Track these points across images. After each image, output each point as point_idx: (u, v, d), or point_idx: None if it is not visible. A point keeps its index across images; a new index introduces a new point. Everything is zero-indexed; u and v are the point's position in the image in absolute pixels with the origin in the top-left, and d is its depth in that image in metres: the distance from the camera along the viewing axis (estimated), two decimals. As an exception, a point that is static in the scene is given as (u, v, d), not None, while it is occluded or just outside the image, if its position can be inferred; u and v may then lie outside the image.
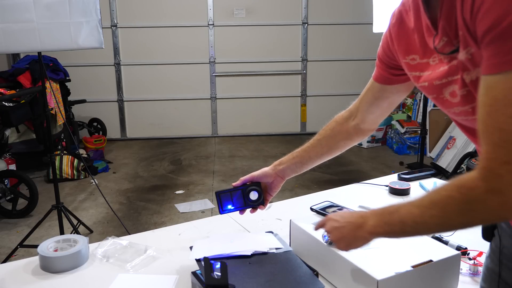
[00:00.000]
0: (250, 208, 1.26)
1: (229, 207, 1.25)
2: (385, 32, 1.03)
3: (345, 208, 1.34)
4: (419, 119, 5.37)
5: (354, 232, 0.90)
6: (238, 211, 1.26)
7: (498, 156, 0.63)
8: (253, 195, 1.24)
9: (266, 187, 1.27)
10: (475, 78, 0.75)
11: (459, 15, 0.72)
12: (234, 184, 1.25)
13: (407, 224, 0.78)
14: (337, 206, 1.36)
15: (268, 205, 1.57)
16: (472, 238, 1.24)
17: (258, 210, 1.27)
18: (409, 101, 5.77)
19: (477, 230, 1.32)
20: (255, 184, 1.25)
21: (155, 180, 4.50)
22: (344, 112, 1.23)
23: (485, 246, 1.17)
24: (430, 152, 5.13)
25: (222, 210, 1.24)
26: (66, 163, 4.42)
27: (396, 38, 0.97)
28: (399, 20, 0.96)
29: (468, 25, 0.70)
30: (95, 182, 3.88)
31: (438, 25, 0.81)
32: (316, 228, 1.07)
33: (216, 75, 6.16)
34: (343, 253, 1.02)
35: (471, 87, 0.77)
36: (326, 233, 1.06)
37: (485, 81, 0.66)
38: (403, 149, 5.34)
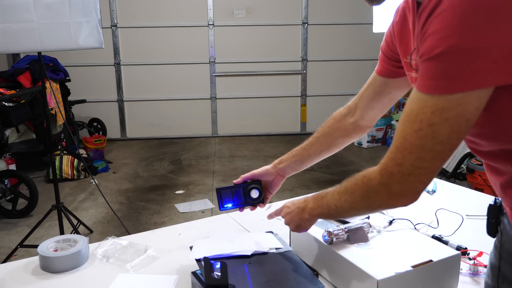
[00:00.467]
0: (250, 206, 1.26)
1: (229, 204, 1.25)
2: (389, 27, 1.03)
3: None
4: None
5: (299, 215, 1.04)
6: (237, 208, 1.26)
7: (395, 158, 0.75)
8: (254, 193, 1.24)
9: (267, 185, 1.27)
10: None
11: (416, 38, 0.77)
12: (234, 181, 1.26)
13: (331, 207, 0.94)
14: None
15: (268, 204, 1.57)
16: (472, 238, 1.25)
17: (258, 208, 1.27)
18: (409, 101, 5.76)
19: (478, 230, 1.32)
20: (256, 182, 1.25)
21: (155, 180, 4.50)
22: (342, 109, 1.23)
23: (485, 246, 1.17)
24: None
25: (222, 206, 1.25)
26: (66, 163, 4.42)
27: (398, 37, 0.98)
28: (402, 18, 0.96)
29: (418, 41, 0.76)
30: (95, 182, 3.88)
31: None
32: (271, 216, 1.19)
33: (216, 75, 6.16)
34: (343, 253, 1.02)
35: None
36: (325, 233, 1.07)
37: (413, 92, 0.75)
38: (403, 149, 5.33)
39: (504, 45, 0.65)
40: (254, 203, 1.25)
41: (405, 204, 0.78)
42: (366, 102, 1.15)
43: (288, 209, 1.09)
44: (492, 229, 0.92)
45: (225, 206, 1.25)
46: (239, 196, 1.25)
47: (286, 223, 1.10)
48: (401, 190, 0.76)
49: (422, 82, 0.72)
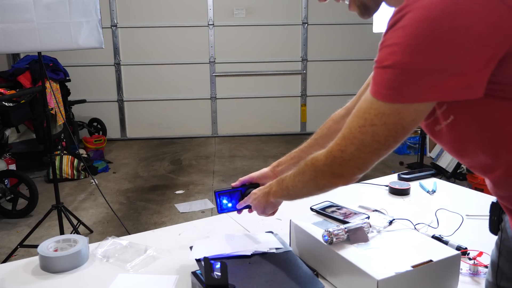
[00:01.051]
0: (248, 209, 1.26)
1: (228, 206, 1.25)
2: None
3: (345, 208, 1.34)
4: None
5: (265, 198, 1.12)
6: (236, 211, 1.26)
7: (340, 144, 0.85)
8: None
9: None
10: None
11: None
12: (233, 184, 1.26)
13: (290, 188, 1.02)
14: (337, 206, 1.36)
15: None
16: (472, 238, 1.25)
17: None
18: (409, 101, 5.77)
19: (478, 230, 1.32)
20: (254, 186, 1.25)
21: (155, 180, 4.50)
22: (341, 110, 1.24)
23: (485, 246, 1.17)
24: (430, 152, 5.13)
25: (220, 209, 1.25)
26: (66, 163, 4.42)
27: None
28: None
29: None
30: (95, 182, 3.88)
31: None
32: (241, 205, 1.23)
33: (216, 75, 6.16)
34: (343, 253, 1.02)
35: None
36: (325, 233, 1.07)
37: (366, 92, 0.82)
38: (403, 149, 5.34)
39: (444, 68, 0.70)
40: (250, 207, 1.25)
41: (344, 184, 0.89)
42: None
43: (255, 195, 1.16)
44: (494, 227, 0.93)
45: (224, 209, 1.25)
46: (237, 199, 1.25)
47: (254, 208, 1.18)
48: (341, 172, 0.87)
49: (372, 86, 0.79)
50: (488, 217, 0.94)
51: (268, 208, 1.14)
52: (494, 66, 0.71)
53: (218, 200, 1.25)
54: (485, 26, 0.69)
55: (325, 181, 0.91)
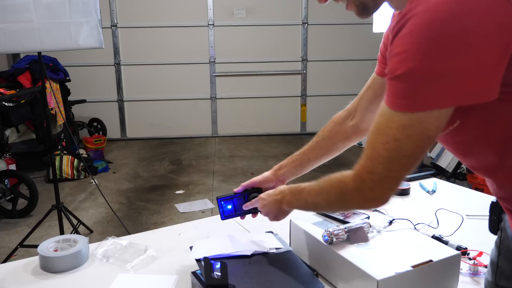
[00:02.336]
0: (252, 214, 1.25)
1: (231, 213, 1.23)
2: (386, 30, 1.03)
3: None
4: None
5: (277, 206, 1.10)
6: (239, 217, 1.25)
7: (367, 166, 0.81)
8: None
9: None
10: None
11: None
12: (235, 190, 1.24)
13: (309, 203, 1.00)
14: (337, 206, 1.36)
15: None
16: (472, 238, 1.25)
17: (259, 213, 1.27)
18: (409, 101, 5.77)
19: (478, 230, 1.32)
20: (256, 190, 1.23)
21: (155, 180, 4.50)
22: (342, 112, 1.23)
23: (485, 246, 1.17)
24: (430, 152, 5.12)
25: (223, 216, 1.23)
26: (66, 163, 4.42)
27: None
28: None
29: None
30: (95, 182, 3.88)
31: None
32: (247, 206, 1.20)
33: (216, 75, 6.16)
34: (343, 253, 1.02)
35: None
36: (325, 233, 1.07)
37: (382, 106, 0.80)
38: (403, 149, 5.33)
39: (457, 71, 0.69)
40: (256, 211, 1.24)
41: (377, 206, 0.86)
42: (365, 104, 1.16)
43: (265, 201, 1.13)
44: (494, 226, 0.93)
45: (227, 215, 1.23)
46: (240, 204, 1.23)
47: (265, 215, 1.16)
48: (373, 195, 0.82)
49: (388, 98, 0.77)
50: (488, 217, 0.94)
51: (281, 215, 1.12)
52: (506, 66, 0.70)
53: (221, 206, 1.23)
54: (493, 24, 0.68)
55: (354, 205, 0.89)
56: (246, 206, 1.22)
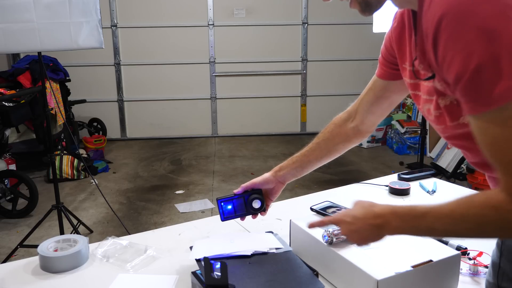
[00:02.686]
0: (252, 215, 1.26)
1: (231, 214, 1.24)
2: (388, 32, 1.03)
3: (345, 208, 1.34)
4: (419, 119, 5.38)
5: (375, 232, 0.88)
6: (239, 218, 1.26)
7: None
8: (256, 204, 1.23)
9: (267, 193, 1.27)
10: (449, 103, 0.81)
11: (431, 56, 0.77)
12: (235, 191, 1.24)
13: (438, 230, 0.80)
14: (336, 206, 1.36)
15: (268, 205, 1.57)
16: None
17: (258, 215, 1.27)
18: (409, 101, 5.77)
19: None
20: (257, 192, 1.24)
21: (155, 180, 4.50)
22: (342, 114, 1.23)
23: (485, 246, 1.17)
24: (430, 152, 5.13)
25: (223, 217, 1.24)
26: (66, 163, 4.42)
27: (396, 42, 0.99)
28: (400, 24, 0.97)
29: (437, 69, 0.76)
30: (95, 182, 3.88)
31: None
32: (313, 225, 1.05)
33: (216, 75, 6.16)
34: (343, 253, 1.02)
35: (445, 111, 0.83)
36: (325, 233, 1.07)
37: (474, 120, 0.71)
38: (403, 149, 5.34)
39: None
40: (255, 212, 1.24)
41: None
42: (366, 106, 1.16)
43: (353, 226, 0.91)
44: None
45: (227, 217, 1.24)
46: (240, 206, 1.23)
47: (352, 241, 0.95)
48: None
49: (474, 104, 0.69)
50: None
51: (374, 241, 0.91)
52: None
53: (221, 207, 1.23)
54: None
55: None
56: (312, 225, 1.04)
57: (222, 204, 1.23)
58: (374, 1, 0.87)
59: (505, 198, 0.70)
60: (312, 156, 1.24)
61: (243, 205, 1.23)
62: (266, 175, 1.25)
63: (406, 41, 0.94)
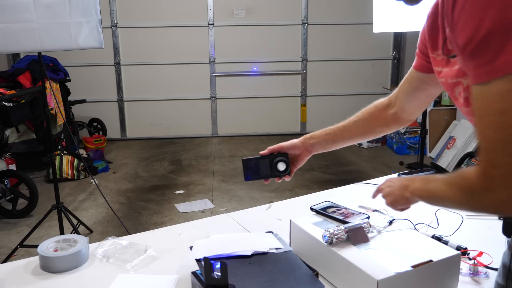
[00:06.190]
0: (276, 177, 1.24)
1: (255, 175, 1.22)
2: (423, 27, 1.03)
3: (344, 208, 1.34)
4: (419, 119, 5.36)
5: (401, 191, 0.98)
6: (263, 180, 1.24)
7: (488, 159, 0.69)
8: (281, 166, 1.22)
9: (292, 159, 1.26)
10: (467, 84, 0.81)
11: (449, 19, 0.76)
12: (261, 152, 1.23)
13: (435, 195, 0.87)
14: (337, 206, 1.36)
15: (268, 204, 1.57)
16: (472, 238, 1.25)
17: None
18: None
19: (478, 230, 1.32)
20: (283, 155, 1.23)
21: (155, 180, 4.50)
22: (384, 99, 1.23)
23: (485, 246, 1.17)
24: (430, 152, 5.13)
25: (247, 177, 1.22)
26: (66, 163, 4.42)
27: (428, 30, 0.99)
28: (434, 12, 0.96)
29: (452, 38, 0.75)
30: (95, 182, 3.88)
31: None
32: (375, 195, 1.15)
33: (216, 75, 6.16)
34: (343, 253, 1.02)
35: (467, 92, 0.83)
36: (325, 233, 1.07)
37: (473, 90, 0.71)
38: (403, 149, 5.34)
39: None
40: (280, 175, 1.23)
41: None
42: (403, 96, 1.16)
43: (391, 182, 1.05)
44: (508, 228, 0.92)
45: (251, 177, 1.22)
46: (265, 167, 1.22)
47: (384, 196, 1.06)
48: (509, 196, 0.67)
49: (475, 73, 0.69)
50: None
51: (399, 202, 1.00)
52: None
53: (246, 167, 1.21)
54: None
55: (486, 208, 0.74)
56: (375, 195, 1.15)
57: (247, 164, 1.22)
58: None
59: (473, 170, 0.72)
60: (346, 132, 1.23)
61: (268, 167, 1.22)
62: (295, 140, 1.25)
63: (439, 28, 0.93)
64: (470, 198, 0.75)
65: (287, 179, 1.26)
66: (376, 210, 1.31)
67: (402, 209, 1.04)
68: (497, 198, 0.68)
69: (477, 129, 0.70)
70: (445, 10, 0.74)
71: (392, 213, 1.32)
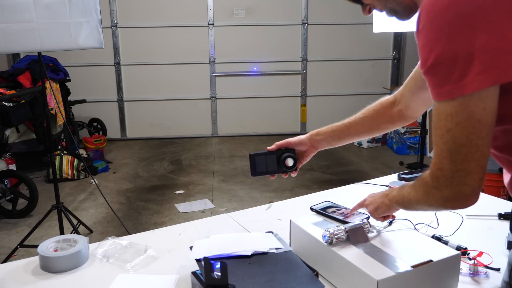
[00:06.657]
0: (283, 173, 1.25)
1: (262, 170, 1.23)
2: None
3: (344, 208, 1.34)
4: (419, 119, 5.37)
5: (381, 198, 1.07)
6: (269, 175, 1.25)
7: (436, 162, 0.80)
8: (290, 161, 1.23)
9: (298, 155, 1.28)
10: None
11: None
12: (269, 148, 1.24)
13: (405, 198, 0.96)
14: (336, 206, 1.36)
15: (268, 204, 1.57)
16: (472, 238, 1.25)
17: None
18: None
19: (478, 230, 1.32)
20: (290, 151, 1.24)
21: (155, 180, 4.50)
22: (389, 97, 1.25)
23: (485, 246, 1.17)
24: (430, 152, 5.13)
25: (254, 172, 1.23)
26: (66, 163, 4.42)
27: None
28: None
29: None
30: (95, 182, 3.88)
31: None
32: (355, 209, 1.21)
33: (216, 75, 6.16)
34: (343, 253, 1.02)
35: None
36: (325, 233, 1.07)
37: (432, 103, 0.80)
38: (403, 149, 5.34)
39: (484, 48, 0.69)
40: (287, 171, 1.25)
41: (460, 206, 0.81)
42: (408, 94, 1.18)
43: (373, 194, 1.14)
44: None
45: (258, 172, 1.23)
46: (272, 162, 1.23)
47: (366, 205, 1.14)
48: (451, 193, 0.79)
49: (431, 91, 0.77)
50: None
51: (380, 209, 1.08)
52: None
53: (253, 162, 1.22)
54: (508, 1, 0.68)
55: (437, 205, 0.85)
56: (354, 209, 1.21)
57: (255, 159, 1.22)
58: (399, 8, 0.92)
59: (428, 172, 0.84)
60: (353, 129, 1.25)
61: (276, 162, 1.23)
62: (302, 137, 1.27)
63: None
64: (426, 196, 0.86)
65: (294, 174, 1.28)
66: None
67: (384, 218, 1.12)
68: (443, 195, 0.80)
69: (433, 137, 0.80)
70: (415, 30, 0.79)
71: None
